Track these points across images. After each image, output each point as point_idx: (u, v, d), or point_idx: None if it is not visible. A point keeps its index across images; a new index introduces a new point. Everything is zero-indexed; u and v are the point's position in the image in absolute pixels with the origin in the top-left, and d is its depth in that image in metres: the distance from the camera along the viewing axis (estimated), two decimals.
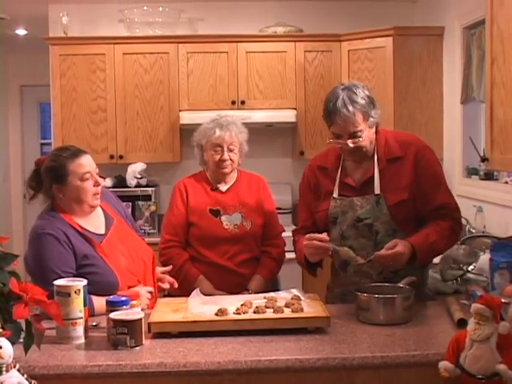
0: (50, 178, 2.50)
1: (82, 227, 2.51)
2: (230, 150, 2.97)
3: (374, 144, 2.54)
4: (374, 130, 2.53)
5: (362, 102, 2.45)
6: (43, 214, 2.54)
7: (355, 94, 2.45)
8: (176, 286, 2.71)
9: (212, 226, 2.96)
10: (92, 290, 2.28)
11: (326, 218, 2.60)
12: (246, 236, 2.95)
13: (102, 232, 2.57)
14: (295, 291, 2.45)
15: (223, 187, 3.06)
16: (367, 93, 2.51)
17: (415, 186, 2.51)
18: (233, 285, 2.86)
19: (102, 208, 2.64)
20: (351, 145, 2.45)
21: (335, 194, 2.58)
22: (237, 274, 2.91)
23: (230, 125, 2.98)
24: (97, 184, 2.53)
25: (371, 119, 2.48)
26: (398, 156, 2.53)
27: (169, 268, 2.74)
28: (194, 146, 3.11)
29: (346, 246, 2.49)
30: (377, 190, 2.51)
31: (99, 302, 2.31)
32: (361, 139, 2.45)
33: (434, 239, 2.43)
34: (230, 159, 2.98)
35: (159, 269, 2.77)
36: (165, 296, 2.94)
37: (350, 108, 2.42)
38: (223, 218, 2.99)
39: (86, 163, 2.51)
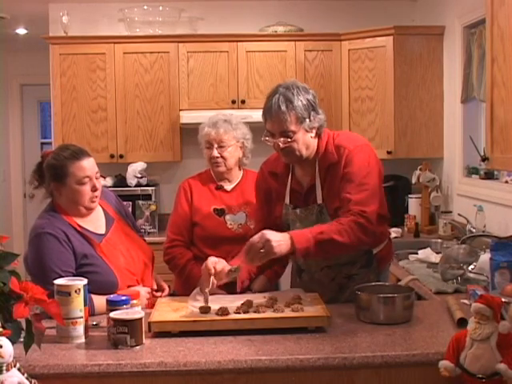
0: (50, 175, 2.51)
1: (81, 227, 2.51)
2: (220, 147, 2.97)
3: (314, 150, 2.49)
4: (312, 134, 2.46)
5: (298, 103, 2.39)
6: (43, 214, 2.54)
7: (292, 94, 2.40)
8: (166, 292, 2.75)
9: (216, 225, 2.96)
10: (91, 289, 2.29)
11: (281, 222, 2.61)
12: (250, 236, 2.92)
13: (103, 232, 2.58)
14: (295, 291, 2.45)
15: (228, 186, 3.06)
16: (309, 96, 2.43)
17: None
18: (236, 284, 2.85)
19: (102, 207, 2.64)
20: (281, 144, 2.42)
21: (287, 201, 2.58)
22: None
23: (218, 122, 2.99)
24: (94, 189, 2.52)
25: (307, 123, 2.41)
26: (334, 161, 2.46)
27: (165, 293, 2.76)
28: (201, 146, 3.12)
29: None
30: (319, 200, 2.48)
31: (99, 301, 2.31)
32: (289, 140, 2.40)
33: (322, 230, 2.30)
34: (222, 156, 2.98)
35: (157, 276, 2.81)
36: (169, 294, 2.94)
37: (283, 107, 2.37)
38: (227, 217, 2.99)
39: (87, 166, 2.50)
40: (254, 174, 3.12)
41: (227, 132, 2.98)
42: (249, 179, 3.08)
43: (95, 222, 2.58)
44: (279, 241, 2.25)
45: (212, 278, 2.38)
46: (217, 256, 2.87)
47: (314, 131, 2.46)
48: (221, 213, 3.00)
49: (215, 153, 2.98)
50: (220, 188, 3.05)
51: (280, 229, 2.57)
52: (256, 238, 2.27)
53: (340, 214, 2.39)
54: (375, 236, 2.46)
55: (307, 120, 2.41)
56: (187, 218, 2.99)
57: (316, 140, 2.49)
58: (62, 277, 2.25)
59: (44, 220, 2.49)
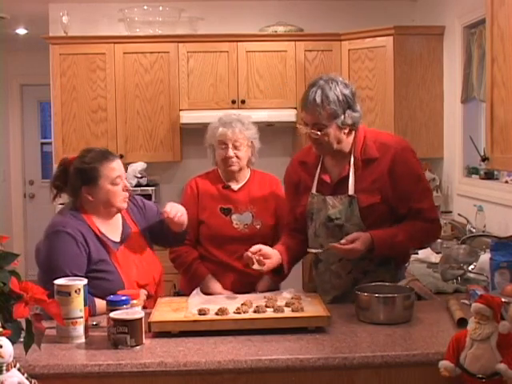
0: (81, 179, 2.49)
1: (101, 232, 2.50)
2: (235, 147, 2.96)
3: (349, 144, 2.53)
4: (345, 130, 2.48)
5: (334, 98, 2.41)
6: (65, 211, 2.52)
7: (330, 89, 2.42)
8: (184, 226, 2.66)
9: (221, 224, 2.96)
10: (97, 294, 2.31)
11: (305, 211, 2.63)
12: (256, 236, 2.92)
13: (117, 240, 2.55)
14: (296, 291, 2.45)
15: (235, 186, 3.05)
16: (347, 92, 2.45)
17: (390, 188, 2.48)
18: (241, 285, 2.85)
19: (122, 215, 2.62)
20: (313, 135, 2.47)
21: (313, 190, 2.60)
22: (245, 273, 2.90)
23: (233, 122, 2.98)
24: (126, 189, 2.53)
25: (341, 119, 2.44)
26: (374, 157, 2.50)
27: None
28: (206, 148, 3.11)
29: (318, 244, 2.56)
30: (350, 191, 2.50)
31: (101, 303, 2.30)
32: (321, 133, 2.44)
33: (400, 239, 2.45)
34: (236, 156, 2.97)
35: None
36: (175, 294, 2.94)
37: (318, 100, 2.41)
38: (234, 216, 2.98)
39: (117, 167, 2.51)
40: (261, 174, 3.13)
41: (242, 131, 2.97)
42: (256, 179, 3.08)
43: (114, 228, 2.56)
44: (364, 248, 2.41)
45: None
46: (222, 256, 2.89)
47: (348, 128, 2.48)
48: (227, 212, 3.00)
49: (231, 153, 2.95)
50: (227, 187, 3.05)
51: (303, 217, 2.64)
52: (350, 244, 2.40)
53: (409, 216, 2.50)
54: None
55: (341, 116, 2.44)
56: (193, 216, 2.98)
57: (350, 136, 2.52)
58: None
59: (66, 218, 2.47)
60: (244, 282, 2.88)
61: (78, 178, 2.50)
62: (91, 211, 2.52)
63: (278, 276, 2.72)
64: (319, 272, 2.64)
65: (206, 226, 2.98)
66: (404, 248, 2.55)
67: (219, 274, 2.91)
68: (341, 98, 2.42)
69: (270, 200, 3.03)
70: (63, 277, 2.21)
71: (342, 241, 2.39)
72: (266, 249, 2.51)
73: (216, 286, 2.88)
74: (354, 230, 2.47)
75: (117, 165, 2.52)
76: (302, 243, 2.65)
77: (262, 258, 2.48)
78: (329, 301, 2.52)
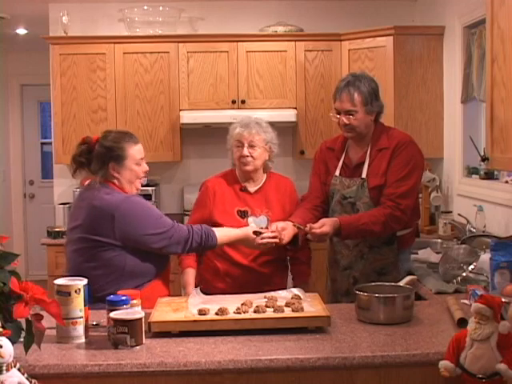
0: (109, 156, 2.62)
1: None
2: (251, 147, 2.99)
3: (371, 132, 2.94)
4: (371, 117, 2.92)
5: (364, 89, 2.87)
6: (109, 191, 2.59)
7: (360, 81, 2.89)
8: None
9: (238, 227, 2.95)
10: None
11: (329, 191, 3.04)
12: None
13: None
14: (296, 290, 2.45)
15: (252, 188, 3.06)
16: (373, 85, 2.92)
17: (387, 172, 2.88)
18: (254, 283, 2.86)
19: None
20: (345, 121, 2.88)
21: (337, 173, 3.02)
22: (259, 273, 2.93)
23: (251, 123, 3.03)
24: (145, 169, 2.72)
25: (369, 107, 2.88)
26: (384, 147, 2.91)
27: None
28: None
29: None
30: (363, 175, 2.93)
31: (220, 232, 2.68)
32: (352, 117, 2.86)
33: (363, 222, 2.80)
34: (251, 156, 2.99)
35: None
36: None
37: (351, 90, 2.87)
38: (250, 219, 3.00)
39: (141, 150, 2.72)
40: (277, 176, 3.15)
41: (259, 133, 3.00)
42: (272, 182, 3.10)
43: None
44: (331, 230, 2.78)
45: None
46: (238, 257, 2.91)
47: (374, 115, 2.93)
48: (244, 215, 3.00)
49: (245, 151, 2.97)
50: (244, 190, 3.05)
51: (326, 196, 3.05)
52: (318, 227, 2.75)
53: (381, 200, 2.85)
54: (406, 224, 2.91)
55: (369, 104, 2.89)
56: (206, 216, 2.98)
57: (374, 124, 2.94)
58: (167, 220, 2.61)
59: (116, 193, 2.59)
60: (257, 280, 2.90)
61: (106, 155, 2.63)
62: (122, 188, 2.66)
63: (293, 247, 2.96)
64: (334, 243, 3.04)
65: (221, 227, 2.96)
66: (369, 231, 2.81)
67: (234, 273, 2.93)
68: (369, 88, 2.89)
69: (286, 204, 3.06)
70: (165, 219, 2.59)
71: (315, 224, 2.74)
72: (279, 224, 2.83)
73: (188, 284, 2.95)
74: (365, 207, 2.90)
75: (141, 148, 2.72)
76: (316, 218, 2.89)
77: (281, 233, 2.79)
78: (341, 268, 2.98)
